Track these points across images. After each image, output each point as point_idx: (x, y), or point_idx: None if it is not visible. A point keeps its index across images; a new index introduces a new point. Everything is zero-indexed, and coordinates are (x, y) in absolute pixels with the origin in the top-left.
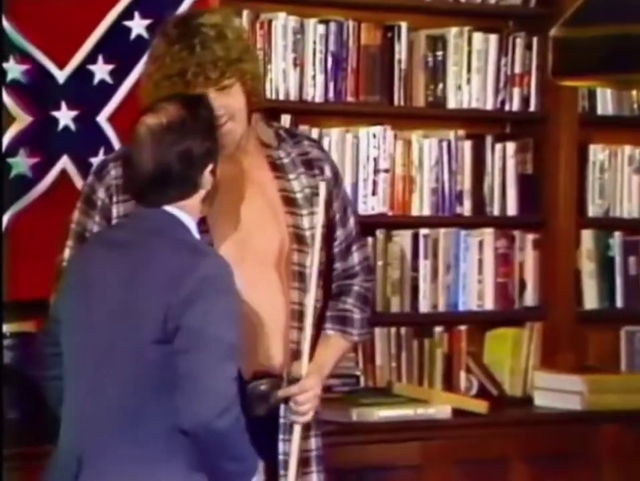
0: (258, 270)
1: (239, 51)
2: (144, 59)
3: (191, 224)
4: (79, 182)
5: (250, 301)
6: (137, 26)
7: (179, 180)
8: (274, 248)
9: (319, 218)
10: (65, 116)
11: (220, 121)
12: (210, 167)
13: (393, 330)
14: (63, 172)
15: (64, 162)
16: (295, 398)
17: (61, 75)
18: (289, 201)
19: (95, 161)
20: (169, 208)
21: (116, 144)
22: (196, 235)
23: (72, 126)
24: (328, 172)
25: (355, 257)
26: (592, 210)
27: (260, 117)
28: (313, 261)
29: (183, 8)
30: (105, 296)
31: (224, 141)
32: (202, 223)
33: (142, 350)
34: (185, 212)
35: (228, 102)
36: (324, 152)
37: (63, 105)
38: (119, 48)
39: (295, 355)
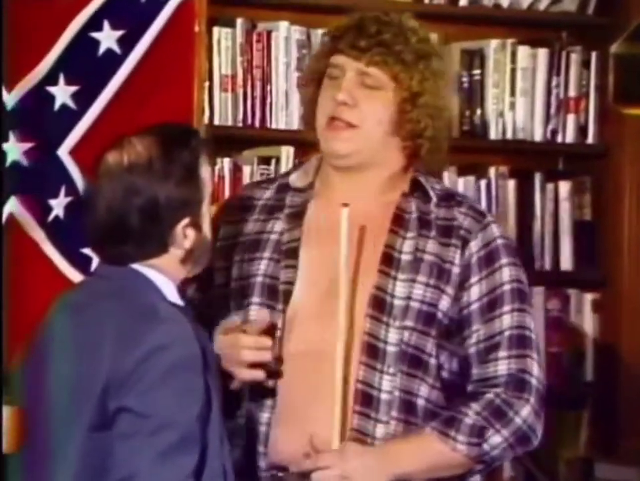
0: (332, 332)
1: (411, 55)
2: (115, 79)
3: (166, 285)
4: (33, 231)
5: (311, 367)
6: (107, 38)
7: (139, 236)
8: (357, 311)
9: (343, 243)
10: (14, 149)
11: (341, 114)
12: (184, 221)
13: None
14: (11, 218)
15: (12, 206)
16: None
17: (9, 99)
18: (387, 259)
19: (55, 203)
20: (137, 266)
21: (80, 184)
22: (174, 299)
23: (24, 161)
24: (474, 246)
25: (502, 365)
26: None
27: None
28: (341, 288)
29: (162, 17)
30: (49, 372)
31: (329, 145)
32: (293, 256)
33: (81, 440)
34: (157, 272)
35: (365, 98)
36: (482, 225)
37: (12, 136)
38: (85, 65)
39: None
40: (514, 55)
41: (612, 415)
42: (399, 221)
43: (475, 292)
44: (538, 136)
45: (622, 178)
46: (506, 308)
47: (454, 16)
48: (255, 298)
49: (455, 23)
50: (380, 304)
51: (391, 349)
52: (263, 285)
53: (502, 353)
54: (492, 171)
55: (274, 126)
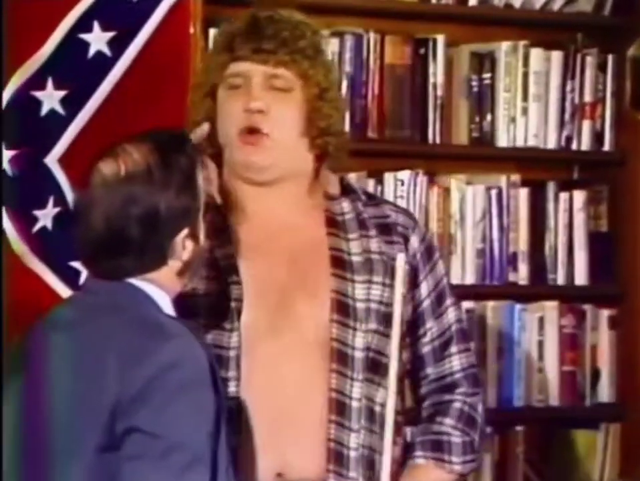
0: (292, 343)
1: (312, 48)
2: (106, 83)
3: (162, 299)
4: (18, 245)
5: (276, 383)
6: (97, 40)
7: (139, 248)
8: (315, 318)
9: (397, 298)
10: None
11: (255, 123)
12: (184, 232)
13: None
14: None
15: None
16: None
17: None
18: (339, 262)
19: (42, 214)
20: (133, 280)
21: (70, 195)
22: (169, 312)
23: (9, 170)
24: (415, 242)
25: (455, 362)
26: None
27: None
28: (392, 352)
29: (155, 18)
30: (49, 392)
31: (249, 159)
32: (234, 273)
33: (87, 461)
34: (154, 285)
35: (277, 103)
36: (413, 220)
37: None
38: (74, 69)
39: (338, 458)
40: (526, 57)
41: (630, 438)
42: (335, 224)
43: (424, 288)
44: (551, 143)
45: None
46: (448, 301)
47: (463, 16)
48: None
49: (464, 23)
50: (344, 308)
51: (358, 354)
52: (209, 306)
53: (454, 349)
54: (502, 180)
55: None
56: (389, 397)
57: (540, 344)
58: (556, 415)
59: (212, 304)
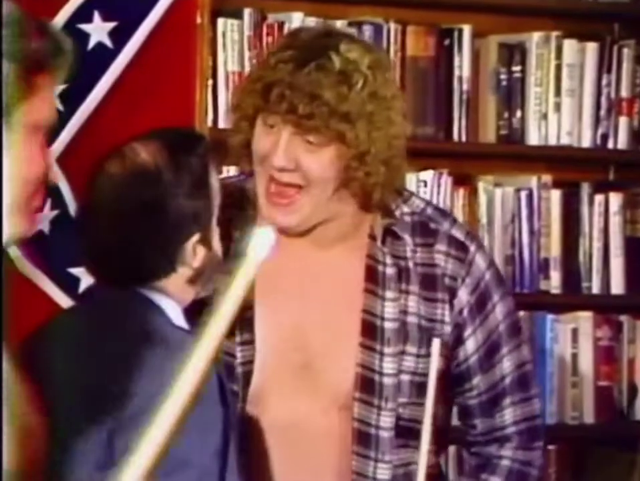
0: (310, 415)
1: (358, 106)
2: (107, 77)
3: (172, 309)
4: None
5: (287, 464)
6: (98, 31)
7: (146, 254)
8: (340, 390)
9: (430, 388)
10: None
11: (281, 178)
12: (195, 237)
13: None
14: None
15: None
16: None
17: None
18: (369, 330)
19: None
20: (140, 289)
21: (68, 196)
22: (181, 323)
23: None
24: (464, 295)
25: (508, 416)
26: None
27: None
28: (424, 430)
29: (160, 7)
30: (52, 406)
31: (275, 220)
32: (248, 328)
33: (86, 478)
34: (162, 295)
35: (307, 157)
36: (468, 264)
37: None
38: (73, 62)
39: None
40: (559, 49)
41: None
42: (374, 277)
43: (471, 345)
44: (585, 142)
45: None
46: (504, 350)
47: (491, 5)
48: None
49: (492, 12)
50: (368, 386)
51: (384, 434)
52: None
53: (507, 401)
54: (533, 181)
55: None
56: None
57: (574, 357)
58: (591, 433)
59: (225, 362)
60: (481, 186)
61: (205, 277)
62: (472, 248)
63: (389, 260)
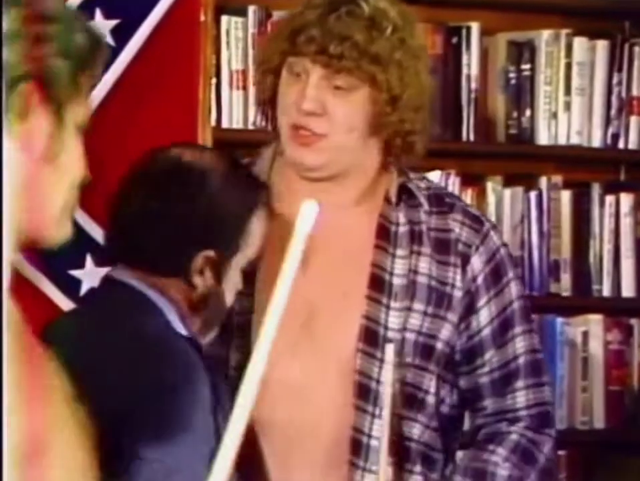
0: (312, 370)
1: (389, 50)
2: (109, 75)
3: (171, 313)
4: None
5: (288, 413)
6: (100, 28)
7: (162, 237)
8: (339, 343)
9: (387, 389)
10: None
11: (307, 124)
12: (207, 252)
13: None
14: None
15: None
16: None
17: None
18: (377, 283)
19: None
20: (142, 288)
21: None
22: (178, 327)
23: None
24: (477, 263)
25: (521, 398)
26: None
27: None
28: (383, 436)
29: (163, 4)
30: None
31: (298, 158)
32: (248, 284)
33: None
34: (163, 295)
35: (336, 102)
36: (482, 236)
37: None
38: None
39: None
40: (569, 47)
41: None
42: (385, 235)
43: (485, 315)
44: (596, 141)
45: None
46: (518, 329)
47: (500, 3)
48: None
49: (500, 10)
50: (372, 338)
51: (386, 389)
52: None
53: (519, 383)
54: (543, 181)
55: None
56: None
57: (584, 361)
58: (602, 438)
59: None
60: (489, 186)
61: (207, 313)
62: (487, 224)
63: (402, 220)
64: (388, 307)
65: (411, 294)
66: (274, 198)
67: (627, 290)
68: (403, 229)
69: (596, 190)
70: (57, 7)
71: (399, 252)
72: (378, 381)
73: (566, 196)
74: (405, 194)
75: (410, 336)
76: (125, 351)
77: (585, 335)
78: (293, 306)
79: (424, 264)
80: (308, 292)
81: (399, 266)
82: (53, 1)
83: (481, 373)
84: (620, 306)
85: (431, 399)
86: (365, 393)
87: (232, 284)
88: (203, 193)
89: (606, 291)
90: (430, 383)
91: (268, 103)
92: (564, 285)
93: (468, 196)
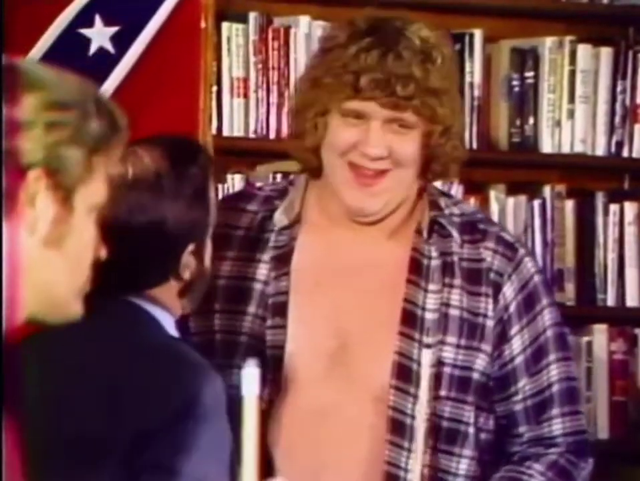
0: (344, 403)
1: (441, 81)
2: (109, 83)
3: (166, 320)
4: None
5: (317, 445)
6: (99, 36)
7: (141, 261)
8: (373, 378)
9: (422, 401)
10: None
11: (372, 166)
12: (190, 248)
13: None
14: None
15: None
16: None
17: None
18: (409, 319)
19: None
20: (133, 299)
21: None
22: (174, 333)
23: None
24: (510, 291)
25: (557, 426)
26: None
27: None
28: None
29: (163, 11)
30: (50, 426)
31: (358, 204)
32: (280, 313)
33: None
34: (156, 306)
35: (397, 142)
36: (515, 264)
37: None
38: (74, 67)
39: None
40: (572, 54)
41: None
42: (418, 269)
43: (517, 344)
44: (600, 150)
45: None
46: (552, 357)
47: (503, 9)
48: (239, 361)
49: (504, 17)
50: (406, 373)
51: (419, 424)
52: (248, 348)
53: (555, 411)
54: (546, 190)
55: None
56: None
57: (588, 371)
58: (606, 449)
59: (251, 346)
60: (492, 195)
61: (193, 292)
62: (522, 250)
63: (434, 253)
64: (421, 342)
65: (444, 328)
66: (306, 230)
67: (632, 300)
68: (435, 263)
69: (600, 198)
70: (73, 93)
71: (432, 286)
72: (413, 417)
73: (569, 204)
74: (437, 225)
75: (446, 370)
76: (136, 362)
77: (589, 344)
78: (326, 332)
79: (456, 296)
80: (342, 320)
81: (432, 301)
82: (70, 87)
83: (515, 401)
84: (624, 315)
85: (471, 430)
86: (399, 428)
87: (208, 251)
88: (166, 203)
89: (611, 301)
90: (470, 415)
91: (314, 148)
92: (568, 295)
93: (471, 205)
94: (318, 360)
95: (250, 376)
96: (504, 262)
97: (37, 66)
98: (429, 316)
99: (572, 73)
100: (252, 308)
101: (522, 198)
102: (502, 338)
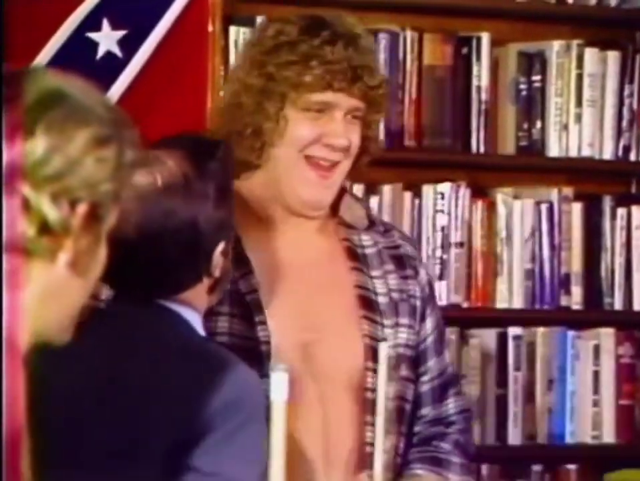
0: (324, 391)
1: (378, 66)
2: (117, 86)
3: (196, 322)
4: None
5: (308, 437)
6: (107, 39)
7: (176, 265)
8: (348, 364)
9: (380, 385)
10: None
11: (333, 157)
12: (221, 246)
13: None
14: None
15: None
16: None
17: None
18: (368, 303)
19: None
20: (163, 302)
21: None
22: (202, 333)
23: None
24: (423, 274)
25: (452, 405)
26: None
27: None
28: (376, 446)
29: (170, 15)
30: (87, 431)
31: (313, 197)
32: (260, 311)
33: None
34: (186, 307)
35: (354, 135)
36: (416, 248)
37: None
38: (81, 71)
39: None
40: (580, 58)
41: None
42: (356, 257)
43: (430, 324)
44: (607, 154)
45: None
46: (445, 342)
47: (510, 12)
48: None
49: (511, 20)
50: (377, 356)
51: (390, 404)
52: (233, 348)
53: (451, 391)
54: (553, 194)
55: None
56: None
57: (595, 375)
58: (612, 453)
59: (238, 346)
60: (500, 198)
61: (220, 288)
62: (411, 237)
63: (368, 242)
64: (382, 325)
65: (395, 311)
66: (246, 227)
67: (639, 304)
68: (370, 251)
69: (607, 202)
70: (112, 124)
71: (374, 272)
72: (386, 398)
73: (577, 208)
74: (369, 218)
75: (401, 350)
76: (173, 367)
77: (596, 348)
78: (295, 333)
79: (393, 281)
80: (309, 314)
81: (379, 286)
82: (109, 117)
83: (423, 381)
84: (631, 319)
85: (408, 407)
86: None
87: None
88: (197, 205)
89: (618, 304)
90: (411, 393)
91: (257, 136)
92: (575, 298)
93: (478, 209)
94: (296, 354)
95: (279, 381)
96: (411, 248)
97: (82, 91)
98: (381, 300)
99: (580, 77)
100: (225, 308)
101: (529, 202)
102: (422, 317)
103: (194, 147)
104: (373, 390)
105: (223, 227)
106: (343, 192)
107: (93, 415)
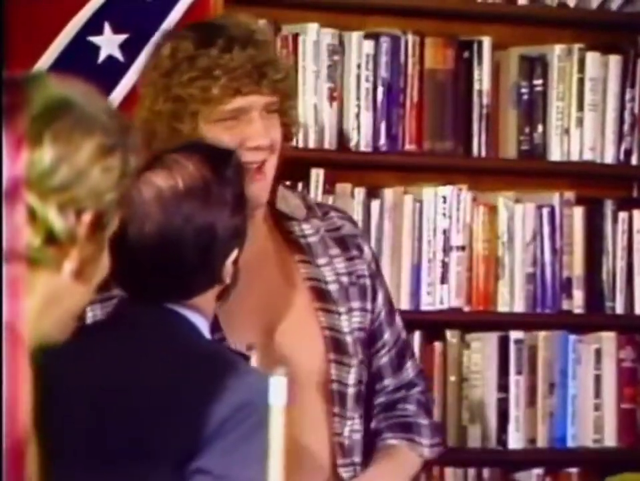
0: (289, 390)
1: (284, 60)
2: (118, 90)
3: (204, 327)
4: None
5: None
6: (108, 43)
7: (190, 270)
8: (310, 360)
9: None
10: None
11: (257, 158)
12: (234, 253)
13: (471, 471)
14: None
15: None
16: None
17: None
18: (321, 294)
19: None
20: (173, 306)
21: None
22: (208, 336)
23: None
24: (368, 251)
25: (410, 369)
26: None
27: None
28: None
29: (171, 19)
30: (97, 435)
31: (255, 191)
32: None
33: None
34: (194, 312)
35: (273, 129)
36: (357, 227)
37: None
38: (83, 75)
39: None
40: (581, 62)
41: None
42: (300, 248)
43: (381, 297)
44: (609, 158)
45: None
46: (394, 308)
47: (512, 16)
48: None
49: (512, 24)
50: (339, 346)
51: (351, 391)
52: None
53: (407, 354)
54: (555, 198)
55: (301, 145)
56: None
57: (597, 379)
58: (613, 457)
59: None
60: (501, 202)
61: (229, 293)
62: (348, 213)
63: (310, 230)
64: (339, 313)
65: (346, 296)
66: None
67: None
68: (313, 239)
69: (609, 206)
70: (117, 132)
71: (320, 260)
72: (346, 386)
73: (578, 212)
74: (306, 206)
75: (357, 335)
76: (185, 370)
77: (598, 352)
78: (250, 335)
79: (341, 265)
80: (268, 312)
81: (328, 274)
82: (115, 125)
83: (382, 355)
84: (633, 323)
85: (363, 388)
86: (342, 400)
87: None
88: (212, 210)
89: (619, 308)
90: (366, 374)
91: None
92: (577, 302)
93: (480, 212)
94: (257, 356)
95: (278, 385)
96: (351, 225)
97: (86, 99)
98: (332, 287)
99: (581, 81)
100: None
101: (531, 206)
102: (374, 294)
103: (211, 153)
104: (338, 381)
105: (238, 234)
106: (276, 185)
107: (102, 418)
